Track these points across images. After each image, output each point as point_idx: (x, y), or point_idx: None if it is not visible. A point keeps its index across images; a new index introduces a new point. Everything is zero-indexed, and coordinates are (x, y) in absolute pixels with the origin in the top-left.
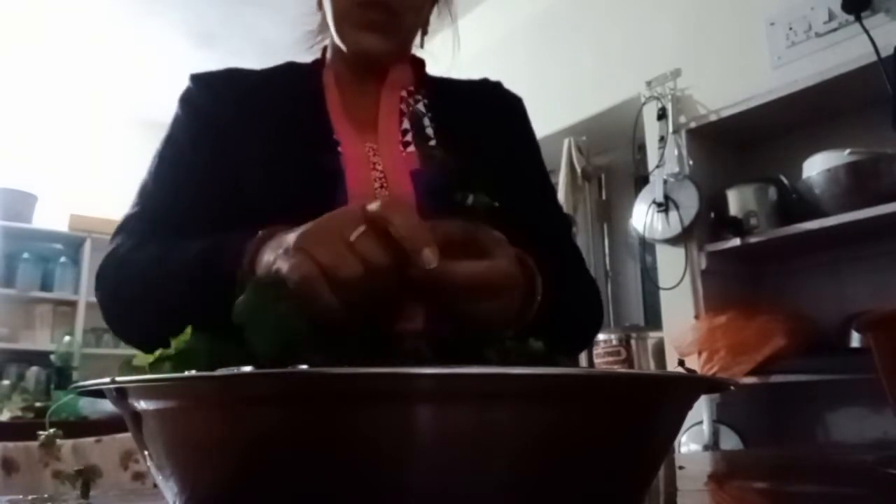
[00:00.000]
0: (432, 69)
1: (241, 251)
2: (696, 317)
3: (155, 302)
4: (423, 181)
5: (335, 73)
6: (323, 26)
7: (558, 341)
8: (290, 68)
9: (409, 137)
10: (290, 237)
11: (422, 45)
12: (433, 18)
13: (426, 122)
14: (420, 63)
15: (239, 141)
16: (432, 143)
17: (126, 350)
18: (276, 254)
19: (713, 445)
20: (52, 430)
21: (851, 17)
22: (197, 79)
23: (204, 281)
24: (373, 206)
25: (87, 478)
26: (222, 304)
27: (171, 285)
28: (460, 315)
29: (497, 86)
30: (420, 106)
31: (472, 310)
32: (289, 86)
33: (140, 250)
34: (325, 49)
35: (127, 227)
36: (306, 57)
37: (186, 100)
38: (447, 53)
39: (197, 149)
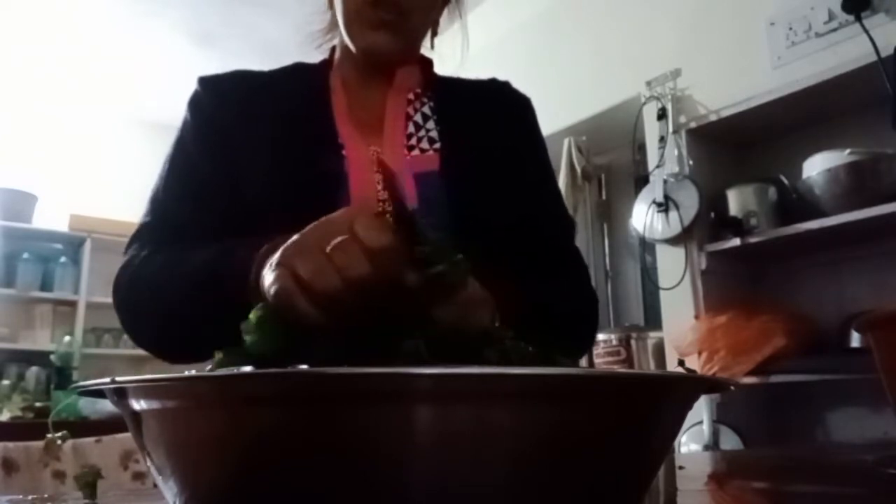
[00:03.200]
0: (439, 69)
1: (243, 264)
2: (696, 317)
3: (164, 311)
4: (426, 184)
5: (342, 74)
6: (332, 25)
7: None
8: (296, 69)
9: (413, 141)
10: (278, 251)
11: (432, 46)
12: (442, 19)
13: (431, 125)
14: (428, 63)
15: (244, 143)
16: (437, 145)
17: (126, 350)
18: (266, 269)
19: (713, 445)
20: (59, 433)
21: (851, 17)
22: (204, 81)
23: (208, 294)
24: (356, 219)
25: (93, 479)
26: (226, 315)
27: (178, 296)
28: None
29: (506, 86)
30: (426, 109)
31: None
32: (295, 87)
33: (151, 260)
34: (332, 49)
35: (140, 236)
36: (310, 57)
37: (194, 103)
38: (454, 53)
39: (204, 153)
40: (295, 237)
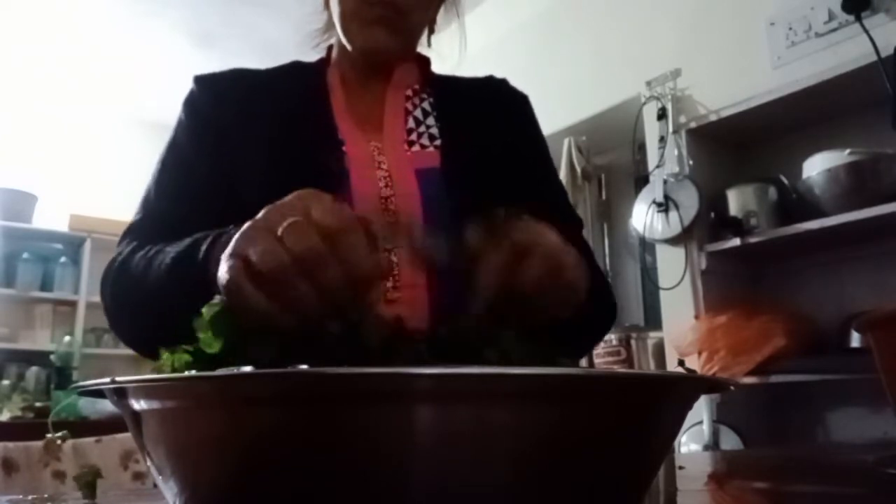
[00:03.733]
0: (437, 68)
1: (208, 255)
2: (696, 317)
3: (143, 306)
4: (427, 181)
5: (340, 72)
6: (329, 25)
7: (576, 336)
8: (294, 68)
9: (413, 137)
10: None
11: (429, 44)
12: (439, 17)
13: (431, 121)
14: (425, 61)
15: (241, 143)
16: (437, 142)
17: (126, 350)
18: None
19: (713, 445)
20: (60, 433)
21: (851, 17)
22: (200, 80)
23: (177, 287)
24: (306, 199)
25: (93, 479)
26: (197, 309)
27: (154, 290)
28: (529, 308)
29: (503, 83)
30: (425, 105)
31: (540, 301)
32: (293, 85)
33: (134, 258)
34: (330, 48)
35: (130, 234)
36: (309, 57)
37: (189, 102)
38: (452, 52)
39: (199, 153)
40: (245, 225)
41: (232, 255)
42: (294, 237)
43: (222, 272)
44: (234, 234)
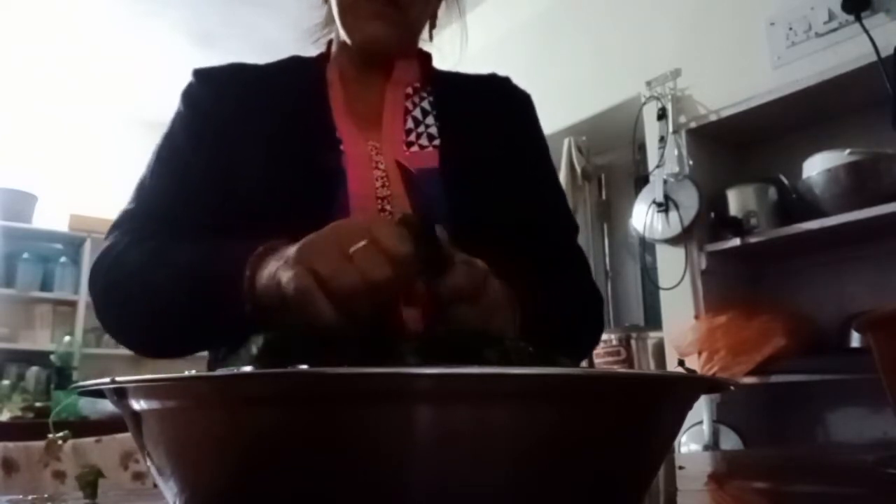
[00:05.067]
0: (438, 65)
1: (237, 266)
2: (696, 317)
3: (146, 306)
4: (425, 181)
5: (339, 67)
6: (329, 19)
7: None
8: (293, 63)
9: (412, 137)
10: (292, 250)
11: (430, 39)
12: (441, 12)
13: (431, 120)
14: (427, 57)
15: (239, 137)
16: (436, 141)
17: (126, 350)
18: (278, 265)
19: (713, 445)
20: (61, 434)
21: (851, 17)
22: (199, 74)
23: (197, 293)
24: (372, 223)
25: (94, 478)
26: (214, 315)
27: (163, 293)
28: (449, 319)
29: (506, 81)
30: (425, 104)
31: (457, 314)
32: (292, 81)
33: (133, 250)
34: (329, 43)
35: (122, 224)
36: (309, 53)
37: (188, 95)
38: (453, 49)
39: (195, 145)
40: (310, 238)
41: (299, 264)
42: (367, 262)
43: (287, 280)
44: (279, 249)
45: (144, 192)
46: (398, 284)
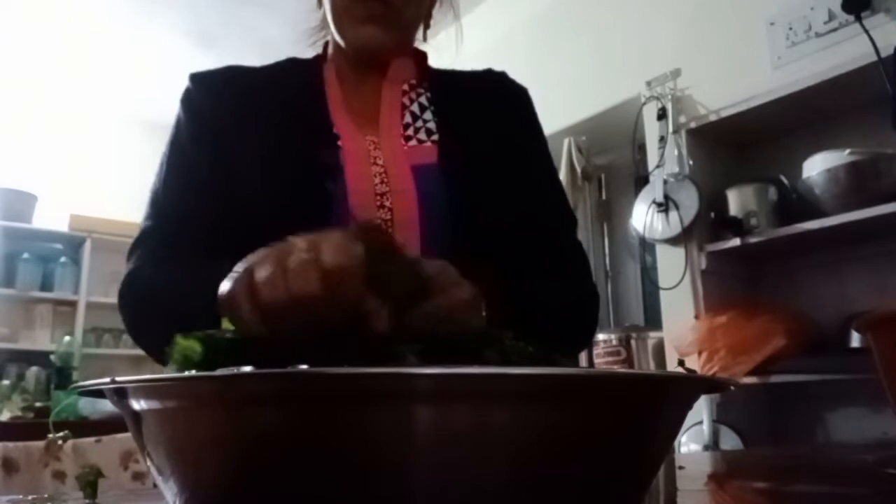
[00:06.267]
0: (435, 64)
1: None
2: (696, 317)
3: (171, 325)
4: (424, 176)
5: (336, 67)
6: (323, 22)
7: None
8: (290, 64)
9: (410, 132)
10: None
11: (424, 39)
12: (435, 12)
13: (429, 115)
14: (422, 56)
15: (238, 139)
16: (435, 136)
17: (126, 350)
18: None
19: (713, 445)
20: (61, 434)
21: (851, 17)
22: (196, 79)
23: (212, 309)
24: (325, 234)
25: (94, 478)
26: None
27: (184, 312)
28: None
29: (502, 76)
30: (422, 99)
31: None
32: (289, 82)
33: (156, 273)
34: (326, 44)
35: (143, 242)
36: (307, 54)
37: (186, 101)
38: (450, 47)
39: (199, 152)
40: (267, 247)
41: (242, 270)
42: (296, 277)
43: (226, 282)
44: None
45: (158, 206)
46: (338, 298)
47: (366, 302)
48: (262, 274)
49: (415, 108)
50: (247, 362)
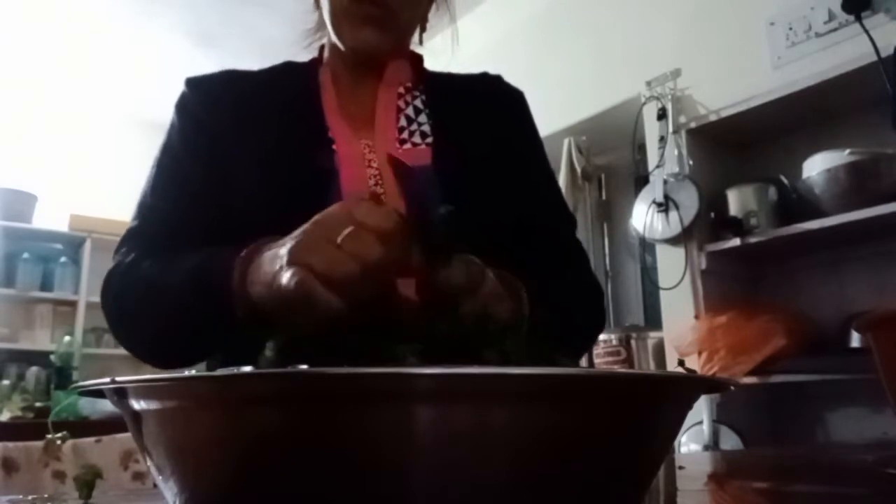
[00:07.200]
0: (432, 66)
1: (229, 269)
2: (696, 317)
3: (153, 318)
4: (418, 174)
5: (332, 70)
6: (320, 24)
7: (557, 347)
8: (286, 68)
9: (405, 134)
10: (283, 252)
11: (420, 42)
12: (431, 15)
13: (424, 118)
14: (418, 59)
15: (234, 144)
16: (429, 139)
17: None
18: (273, 271)
19: (713, 445)
20: (60, 434)
21: (851, 17)
22: (192, 83)
23: (195, 299)
24: (351, 208)
25: (91, 478)
26: (213, 322)
27: (167, 303)
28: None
29: (497, 79)
30: (417, 102)
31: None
32: (285, 85)
33: (138, 266)
34: (322, 47)
35: (128, 241)
36: (305, 56)
37: (181, 106)
38: (447, 50)
39: (193, 156)
40: (298, 237)
41: (292, 264)
42: (358, 246)
43: (286, 281)
44: (265, 251)
45: (146, 207)
46: (393, 260)
47: (414, 254)
48: (318, 257)
49: (410, 111)
50: (345, 344)
